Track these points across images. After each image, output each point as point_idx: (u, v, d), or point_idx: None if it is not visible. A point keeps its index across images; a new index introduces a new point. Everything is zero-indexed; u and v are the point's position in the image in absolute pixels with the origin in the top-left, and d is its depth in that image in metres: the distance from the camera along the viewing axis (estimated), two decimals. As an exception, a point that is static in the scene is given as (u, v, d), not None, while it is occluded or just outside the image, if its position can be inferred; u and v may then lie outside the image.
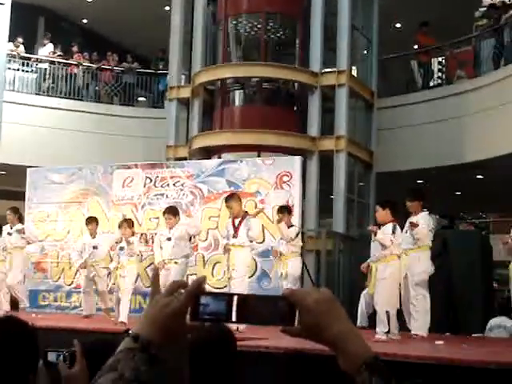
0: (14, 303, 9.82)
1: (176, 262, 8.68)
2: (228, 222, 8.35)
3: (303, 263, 9.90)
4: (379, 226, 7.76)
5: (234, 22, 12.57)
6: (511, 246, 7.08)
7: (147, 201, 10.32)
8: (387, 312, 7.37)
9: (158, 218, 10.07)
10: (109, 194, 10.62)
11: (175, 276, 8.32)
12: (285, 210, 8.68)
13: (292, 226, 8.61)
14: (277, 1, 12.33)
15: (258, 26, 12.36)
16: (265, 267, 9.37)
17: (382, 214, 7.74)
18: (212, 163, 10.48)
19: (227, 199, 8.49)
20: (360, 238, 10.95)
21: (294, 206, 9.35)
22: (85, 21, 18.92)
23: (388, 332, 7.28)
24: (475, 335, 8.20)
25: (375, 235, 7.51)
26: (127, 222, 9.12)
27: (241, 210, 8.32)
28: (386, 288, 7.50)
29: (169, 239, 8.88)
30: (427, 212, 8.10)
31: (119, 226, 9.09)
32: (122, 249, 8.96)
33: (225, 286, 8.48)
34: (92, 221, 9.68)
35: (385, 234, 7.53)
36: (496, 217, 27.35)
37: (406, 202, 7.92)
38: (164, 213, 9.05)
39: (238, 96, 12.34)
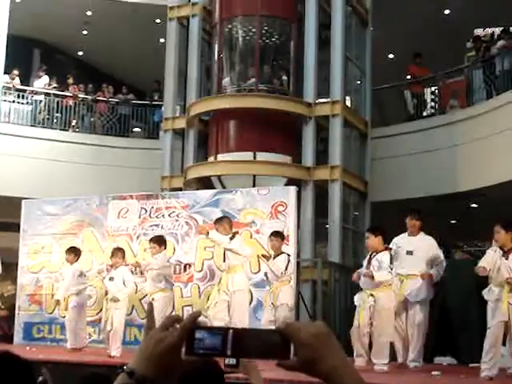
0: (6, 336, 9.75)
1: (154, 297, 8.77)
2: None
3: (299, 293, 9.88)
4: (371, 254, 7.80)
5: (229, 26, 12.66)
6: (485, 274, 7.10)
7: (142, 232, 10.30)
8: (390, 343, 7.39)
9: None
10: (104, 225, 10.60)
11: (159, 309, 8.31)
12: (278, 234, 8.71)
13: (282, 253, 8.62)
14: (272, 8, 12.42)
15: (253, 29, 12.44)
16: (260, 297, 9.33)
17: (375, 241, 7.81)
18: (207, 193, 10.49)
19: (216, 221, 8.86)
20: (355, 267, 10.94)
21: (289, 236, 9.35)
22: (80, 53, 19.07)
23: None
24: (472, 365, 8.16)
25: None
26: (121, 251, 9.17)
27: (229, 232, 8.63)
28: (389, 318, 7.50)
29: (153, 270, 8.95)
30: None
31: (112, 255, 9.11)
32: (111, 279, 8.95)
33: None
34: (71, 251, 9.73)
35: (383, 263, 7.56)
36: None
37: (410, 221, 8.04)
38: (150, 241, 9.15)
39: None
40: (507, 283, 6.83)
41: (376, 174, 13.08)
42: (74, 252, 9.75)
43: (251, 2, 12.35)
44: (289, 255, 8.68)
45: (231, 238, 8.55)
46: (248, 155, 11.76)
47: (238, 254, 8.50)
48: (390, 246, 8.10)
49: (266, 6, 12.24)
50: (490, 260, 7.05)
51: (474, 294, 8.91)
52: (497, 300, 6.87)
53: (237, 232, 8.91)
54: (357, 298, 7.82)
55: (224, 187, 11.44)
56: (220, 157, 11.99)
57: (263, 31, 12.44)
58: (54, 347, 10.14)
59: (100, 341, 9.69)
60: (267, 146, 11.79)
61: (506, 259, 6.99)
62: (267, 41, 12.54)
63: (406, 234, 8.34)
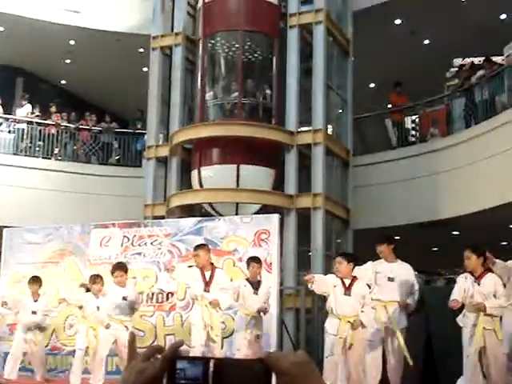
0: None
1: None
2: (195, 271, 8.60)
3: (282, 322, 9.85)
4: (342, 279, 7.85)
5: (212, 41, 12.74)
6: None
7: (125, 260, 10.25)
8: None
9: (135, 277, 10.00)
10: (86, 253, 10.55)
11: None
12: (258, 261, 8.75)
13: (260, 281, 8.61)
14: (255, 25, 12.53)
15: (236, 45, 12.52)
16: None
17: (348, 267, 7.84)
18: (190, 221, 10.48)
19: (196, 247, 8.85)
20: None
21: (272, 264, 9.35)
22: (63, 81, 19.12)
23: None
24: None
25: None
26: (101, 279, 9.14)
27: (209, 261, 8.69)
28: (376, 351, 7.55)
29: (124, 298, 8.88)
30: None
31: (93, 282, 9.06)
32: (98, 308, 8.91)
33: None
34: (34, 281, 9.66)
35: (362, 291, 7.60)
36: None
37: (381, 246, 8.10)
38: (117, 269, 9.08)
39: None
40: (478, 310, 6.87)
41: (358, 202, 13.16)
42: (38, 281, 9.69)
43: (234, 18, 12.46)
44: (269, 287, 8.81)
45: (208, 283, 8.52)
46: (231, 169, 11.75)
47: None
48: (366, 270, 8.16)
49: (249, 22, 12.38)
50: (462, 290, 7.09)
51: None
52: (473, 326, 6.90)
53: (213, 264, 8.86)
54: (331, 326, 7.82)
55: (213, 209, 11.48)
56: (203, 172, 11.97)
57: (246, 47, 12.55)
58: (31, 378, 10.00)
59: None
60: (250, 161, 11.84)
61: (479, 285, 7.03)
62: (250, 56, 12.65)
63: (382, 260, 8.34)
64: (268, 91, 12.57)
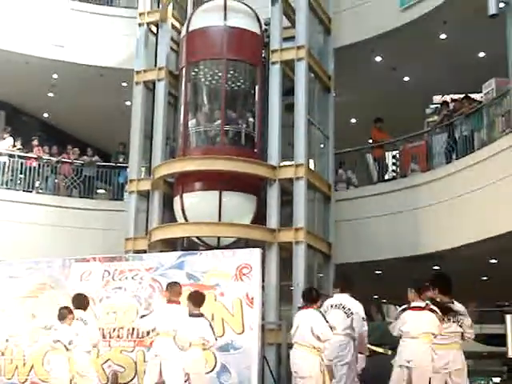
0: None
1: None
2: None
3: (263, 357, 9.81)
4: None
5: (196, 70, 12.82)
6: None
7: (105, 294, 10.19)
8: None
9: (115, 312, 9.94)
10: (66, 287, 10.46)
11: None
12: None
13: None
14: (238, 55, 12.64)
15: (219, 73, 12.61)
16: (225, 362, 9.24)
17: None
18: (171, 255, 10.45)
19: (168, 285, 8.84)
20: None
21: (253, 299, 9.33)
22: (46, 115, 19.12)
23: None
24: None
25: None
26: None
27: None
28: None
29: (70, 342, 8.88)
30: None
31: (63, 318, 8.98)
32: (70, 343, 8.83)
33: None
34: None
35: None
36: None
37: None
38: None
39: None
40: None
41: (340, 236, 13.21)
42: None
43: (217, 47, 12.58)
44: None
45: None
46: (214, 195, 11.79)
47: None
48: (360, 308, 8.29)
49: (232, 51, 12.50)
50: None
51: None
52: None
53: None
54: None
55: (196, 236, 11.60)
56: (186, 199, 11.99)
57: (229, 75, 12.65)
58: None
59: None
60: (233, 187, 11.91)
61: None
62: (233, 84, 12.74)
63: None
64: (251, 119, 12.68)
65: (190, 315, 8.40)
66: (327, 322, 7.95)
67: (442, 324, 7.21)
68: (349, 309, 8.40)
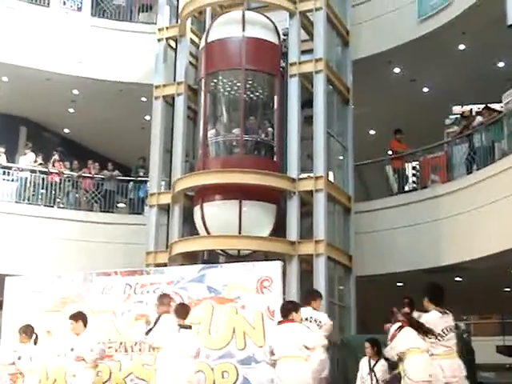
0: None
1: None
2: None
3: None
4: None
5: (215, 81, 12.87)
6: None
7: (127, 308, 10.21)
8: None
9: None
10: (88, 301, 10.50)
11: None
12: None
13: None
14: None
15: (238, 84, 12.65)
16: (246, 375, 9.21)
17: None
18: (192, 269, 10.46)
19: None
20: (342, 343, 10.89)
21: (274, 311, 9.31)
22: (66, 130, 19.31)
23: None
24: None
25: None
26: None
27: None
28: None
29: (71, 349, 8.93)
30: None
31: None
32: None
33: None
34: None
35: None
36: (477, 319, 27.34)
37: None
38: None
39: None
40: None
41: (360, 248, 13.16)
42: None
43: (236, 57, 12.62)
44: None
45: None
46: (234, 204, 11.82)
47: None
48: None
49: (250, 61, 12.52)
50: None
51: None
52: None
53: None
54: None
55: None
56: (206, 209, 12.02)
57: (248, 85, 12.69)
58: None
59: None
60: (253, 197, 11.94)
61: None
62: (251, 94, 12.78)
63: None
64: (270, 128, 12.71)
65: (180, 327, 8.41)
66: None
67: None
68: (320, 321, 8.54)
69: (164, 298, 8.85)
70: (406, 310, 7.74)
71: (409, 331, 7.46)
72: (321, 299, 8.86)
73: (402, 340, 7.45)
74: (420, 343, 7.35)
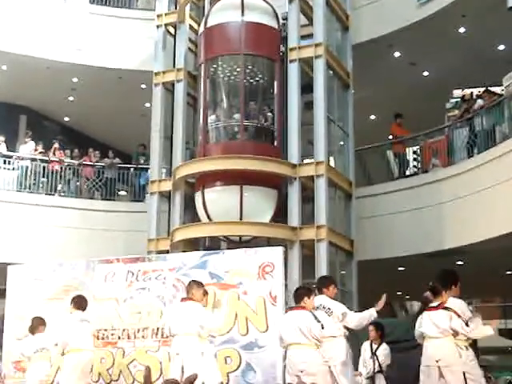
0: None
1: None
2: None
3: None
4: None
5: (214, 66, 12.84)
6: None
7: (129, 295, 10.23)
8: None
9: (139, 312, 9.98)
10: (90, 289, 10.53)
11: None
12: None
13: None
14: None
15: (237, 69, 12.61)
16: (249, 360, 9.24)
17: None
18: (194, 255, 10.46)
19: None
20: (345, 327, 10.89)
21: (276, 297, 9.33)
22: (66, 119, 19.28)
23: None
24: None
25: None
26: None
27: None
28: None
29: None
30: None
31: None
32: None
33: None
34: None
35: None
36: (479, 303, 27.40)
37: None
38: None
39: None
40: None
41: (362, 233, 13.17)
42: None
43: (235, 42, 12.61)
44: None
45: None
46: (235, 190, 11.82)
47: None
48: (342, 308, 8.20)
49: (250, 46, 12.52)
50: None
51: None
52: None
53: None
54: None
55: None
56: (207, 195, 12.02)
57: (247, 70, 12.67)
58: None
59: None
60: (254, 182, 11.91)
61: None
62: (251, 80, 12.76)
63: None
64: (269, 114, 12.68)
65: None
66: (319, 321, 7.65)
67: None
68: (329, 308, 8.30)
69: (190, 285, 8.64)
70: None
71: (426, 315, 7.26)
72: (335, 286, 8.49)
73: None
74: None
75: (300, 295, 7.88)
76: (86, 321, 9.36)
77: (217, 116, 12.77)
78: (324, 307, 8.18)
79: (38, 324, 9.63)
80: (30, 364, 9.49)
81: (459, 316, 6.69)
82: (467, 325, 6.67)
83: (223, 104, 13.06)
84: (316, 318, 7.69)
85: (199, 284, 8.48)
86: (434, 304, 6.97)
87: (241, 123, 12.32)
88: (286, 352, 7.72)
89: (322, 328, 7.60)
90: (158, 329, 9.83)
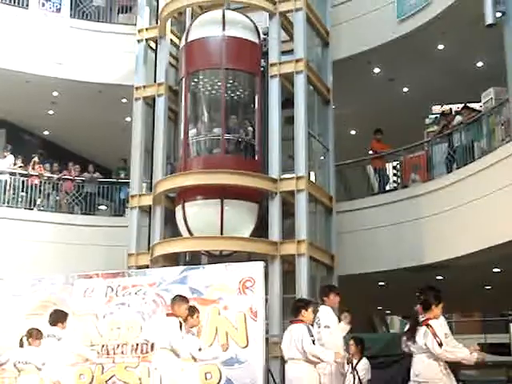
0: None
1: None
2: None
3: (268, 371, 9.78)
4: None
5: (195, 80, 12.85)
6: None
7: (109, 310, 10.17)
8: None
9: (119, 328, 9.92)
10: (69, 304, 10.44)
11: None
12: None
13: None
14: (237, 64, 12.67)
15: (218, 83, 12.63)
16: (229, 376, 9.21)
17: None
18: (174, 270, 10.44)
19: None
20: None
21: (257, 312, 9.31)
22: (46, 132, 19.18)
23: None
24: None
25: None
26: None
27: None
28: None
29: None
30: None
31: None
32: None
33: None
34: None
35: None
36: (459, 317, 27.53)
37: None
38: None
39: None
40: None
41: (342, 248, 13.20)
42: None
43: (216, 56, 12.62)
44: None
45: None
46: (215, 203, 11.80)
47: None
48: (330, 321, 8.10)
49: (230, 60, 12.54)
50: None
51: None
52: None
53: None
54: None
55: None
56: (187, 209, 11.99)
57: (228, 84, 12.68)
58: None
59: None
60: (234, 195, 11.89)
61: None
62: (232, 94, 12.78)
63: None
64: (250, 128, 12.71)
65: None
66: (311, 336, 7.62)
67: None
68: (319, 320, 8.16)
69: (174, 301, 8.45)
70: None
71: None
72: (335, 294, 8.33)
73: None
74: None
75: (297, 308, 7.86)
76: (53, 335, 9.12)
77: (197, 130, 12.77)
78: (318, 319, 8.13)
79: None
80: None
81: (435, 335, 6.65)
82: (440, 344, 6.62)
83: (204, 118, 13.07)
84: (310, 331, 7.63)
85: (182, 299, 8.20)
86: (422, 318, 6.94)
87: (222, 137, 12.33)
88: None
89: (313, 343, 7.55)
90: (137, 344, 9.79)
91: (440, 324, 6.83)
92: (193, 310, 8.37)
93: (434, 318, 6.81)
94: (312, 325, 7.91)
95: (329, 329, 8.04)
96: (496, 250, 11.48)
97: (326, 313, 8.22)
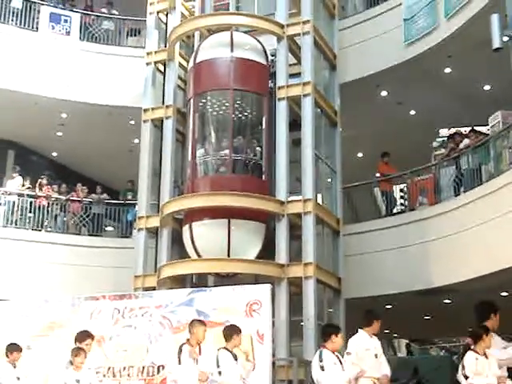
0: None
1: None
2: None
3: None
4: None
5: (203, 101, 12.90)
6: None
7: (115, 332, 10.16)
8: None
9: (125, 350, 9.90)
10: (75, 326, 10.42)
11: None
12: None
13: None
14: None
15: (226, 104, 12.66)
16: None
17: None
18: (181, 292, 10.44)
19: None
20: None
21: (264, 335, 9.28)
22: (54, 154, 19.28)
23: None
24: None
25: None
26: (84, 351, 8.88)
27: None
28: None
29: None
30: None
31: (76, 355, 8.77)
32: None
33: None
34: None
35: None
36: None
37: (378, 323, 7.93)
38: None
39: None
40: None
41: (349, 271, 13.15)
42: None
43: (224, 77, 12.68)
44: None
45: None
46: (222, 223, 11.78)
47: None
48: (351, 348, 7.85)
49: (238, 81, 12.60)
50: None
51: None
52: None
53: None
54: None
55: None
56: (195, 229, 11.98)
57: (236, 105, 12.72)
58: None
59: None
60: (241, 216, 11.86)
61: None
62: (240, 114, 12.81)
63: (367, 335, 8.01)
64: (258, 148, 12.74)
65: None
66: (321, 363, 7.47)
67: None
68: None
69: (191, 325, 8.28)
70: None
71: None
72: (378, 322, 7.99)
73: None
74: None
75: (326, 333, 7.73)
76: None
77: (205, 150, 12.82)
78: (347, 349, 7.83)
79: None
80: None
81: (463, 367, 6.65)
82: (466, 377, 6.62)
83: (212, 138, 13.12)
84: (321, 357, 7.49)
85: (200, 323, 8.14)
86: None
87: (229, 158, 12.37)
88: None
89: (322, 370, 7.41)
90: (143, 367, 9.77)
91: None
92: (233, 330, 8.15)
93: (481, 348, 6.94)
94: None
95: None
96: (504, 274, 11.41)
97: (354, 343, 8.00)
